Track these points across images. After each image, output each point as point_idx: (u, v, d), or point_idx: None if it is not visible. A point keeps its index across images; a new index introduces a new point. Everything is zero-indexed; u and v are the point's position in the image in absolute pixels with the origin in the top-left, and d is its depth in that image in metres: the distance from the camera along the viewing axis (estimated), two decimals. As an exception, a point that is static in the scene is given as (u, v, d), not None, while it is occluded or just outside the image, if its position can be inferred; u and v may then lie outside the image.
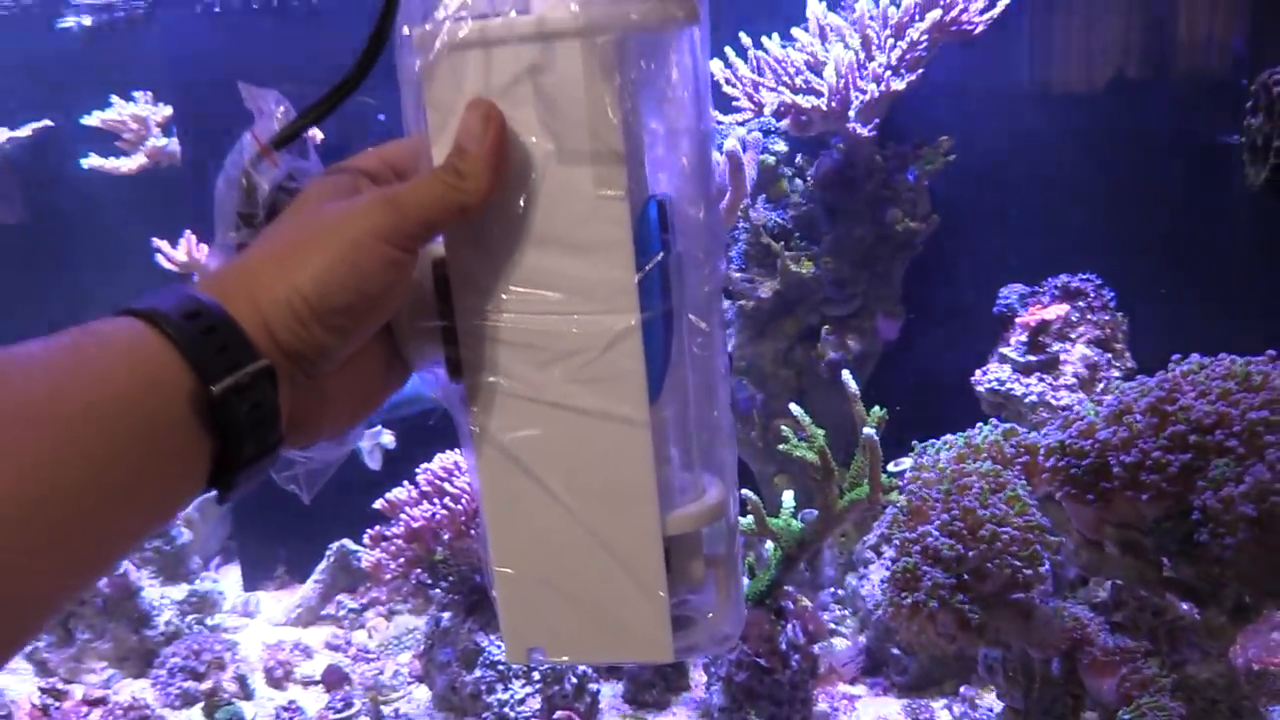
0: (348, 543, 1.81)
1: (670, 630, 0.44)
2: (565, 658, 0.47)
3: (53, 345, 0.35)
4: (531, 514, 0.46)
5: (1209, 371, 1.13)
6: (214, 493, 0.39)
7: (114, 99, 1.78)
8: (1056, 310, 1.50)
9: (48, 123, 1.89)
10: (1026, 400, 1.48)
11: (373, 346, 0.44)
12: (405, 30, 0.43)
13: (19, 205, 1.94)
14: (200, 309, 0.38)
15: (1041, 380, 1.49)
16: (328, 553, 1.83)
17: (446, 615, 1.47)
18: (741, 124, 1.57)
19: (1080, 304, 1.55)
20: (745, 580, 1.43)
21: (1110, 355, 1.53)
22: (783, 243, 1.61)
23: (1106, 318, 1.54)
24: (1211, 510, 1.05)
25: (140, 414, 0.36)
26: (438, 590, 1.49)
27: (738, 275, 1.63)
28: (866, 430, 1.24)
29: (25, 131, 1.87)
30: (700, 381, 0.48)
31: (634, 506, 0.44)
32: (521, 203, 0.43)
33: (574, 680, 1.44)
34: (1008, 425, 1.30)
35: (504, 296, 0.44)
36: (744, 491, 1.33)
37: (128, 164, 1.72)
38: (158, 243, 1.70)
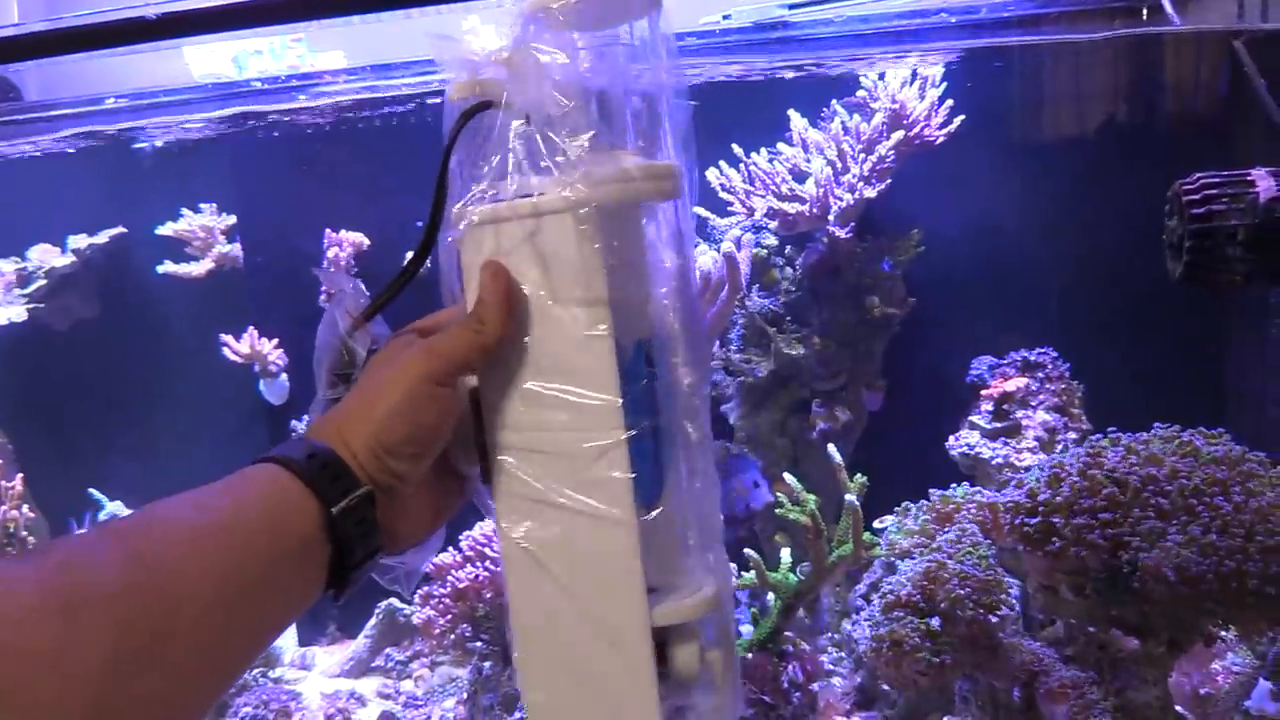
0: (394, 601, 2.01)
1: (659, 715, 0.49)
2: None
3: (220, 488, 0.47)
4: (542, 599, 0.51)
5: (1134, 440, 1.34)
6: (331, 591, 0.50)
7: (184, 211, 2.01)
8: (1017, 382, 1.71)
9: (122, 229, 2.12)
10: (993, 462, 1.68)
11: (439, 467, 0.54)
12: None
13: (96, 302, 2.16)
14: (316, 451, 0.49)
15: (1006, 444, 1.70)
16: (376, 611, 2.03)
17: (488, 664, 1.66)
18: (735, 225, 1.80)
19: (1040, 375, 1.76)
20: (750, 627, 1.63)
21: (1068, 419, 1.73)
22: (775, 327, 1.83)
23: (1063, 386, 1.75)
24: (1141, 564, 1.25)
25: (289, 533, 0.47)
26: (479, 643, 1.69)
27: (737, 356, 1.85)
28: (848, 497, 1.44)
29: (103, 238, 2.09)
30: (693, 483, 0.54)
31: (624, 598, 0.49)
32: (528, 340, 0.50)
33: None
34: (975, 488, 1.50)
35: (518, 417, 0.51)
36: (746, 550, 1.53)
37: (197, 268, 1.95)
38: (224, 337, 1.93)
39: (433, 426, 0.51)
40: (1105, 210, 1.80)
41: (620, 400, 0.49)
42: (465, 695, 1.74)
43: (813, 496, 1.51)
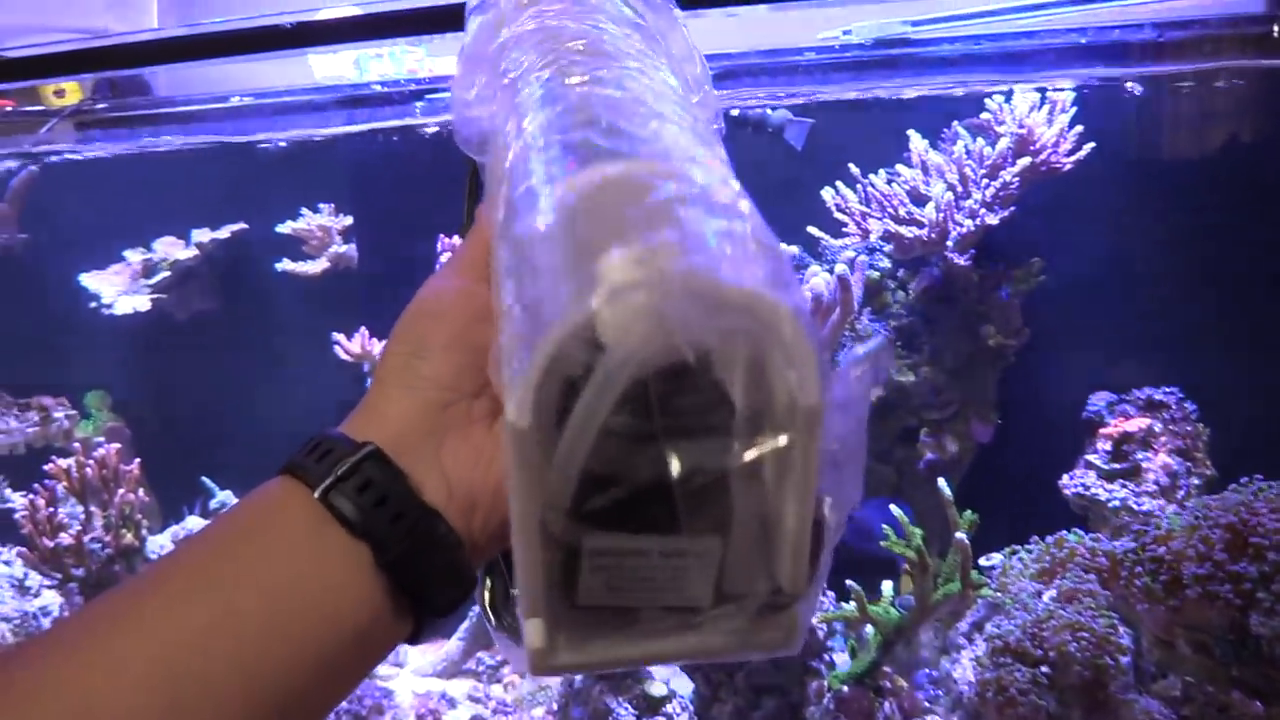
0: (487, 604, 2.03)
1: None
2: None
3: (237, 574, 0.38)
4: None
5: (1276, 492, 1.27)
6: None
7: (303, 210, 2.06)
8: (1139, 422, 1.64)
9: (243, 225, 2.18)
10: (1110, 505, 1.62)
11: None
12: None
13: (215, 294, 2.24)
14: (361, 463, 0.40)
15: (1124, 486, 1.63)
16: (471, 614, 2.05)
17: (579, 678, 1.66)
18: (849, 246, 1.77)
19: (1163, 415, 1.68)
20: (846, 658, 1.60)
21: (1191, 464, 1.65)
22: (886, 352, 1.79)
23: (1188, 428, 1.67)
24: (1270, 625, 1.19)
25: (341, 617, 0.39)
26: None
27: (844, 379, 1.81)
28: (958, 534, 1.40)
29: (224, 233, 2.16)
30: None
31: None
32: None
33: (691, 741, 1.61)
34: (1091, 535, 1.45)
35: None
36: (849, 583, 1.50)
37: (313, 267, 1.99)
38: (336, 336, 1.97)
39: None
40: (1238, 247, 1.72)
41: None
42: (555, 706, 1.74)
43: (919, 531, 1.47)
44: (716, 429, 0.35)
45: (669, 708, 1.61)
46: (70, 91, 1.86)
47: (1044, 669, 1.29)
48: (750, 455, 0.34)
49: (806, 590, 0.37)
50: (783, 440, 0.34)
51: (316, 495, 0.38)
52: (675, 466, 0.34)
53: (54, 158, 2.14)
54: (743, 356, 0.34)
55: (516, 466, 0.34)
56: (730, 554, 0.37)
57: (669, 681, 1.64)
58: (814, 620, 1.57)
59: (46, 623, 1.88)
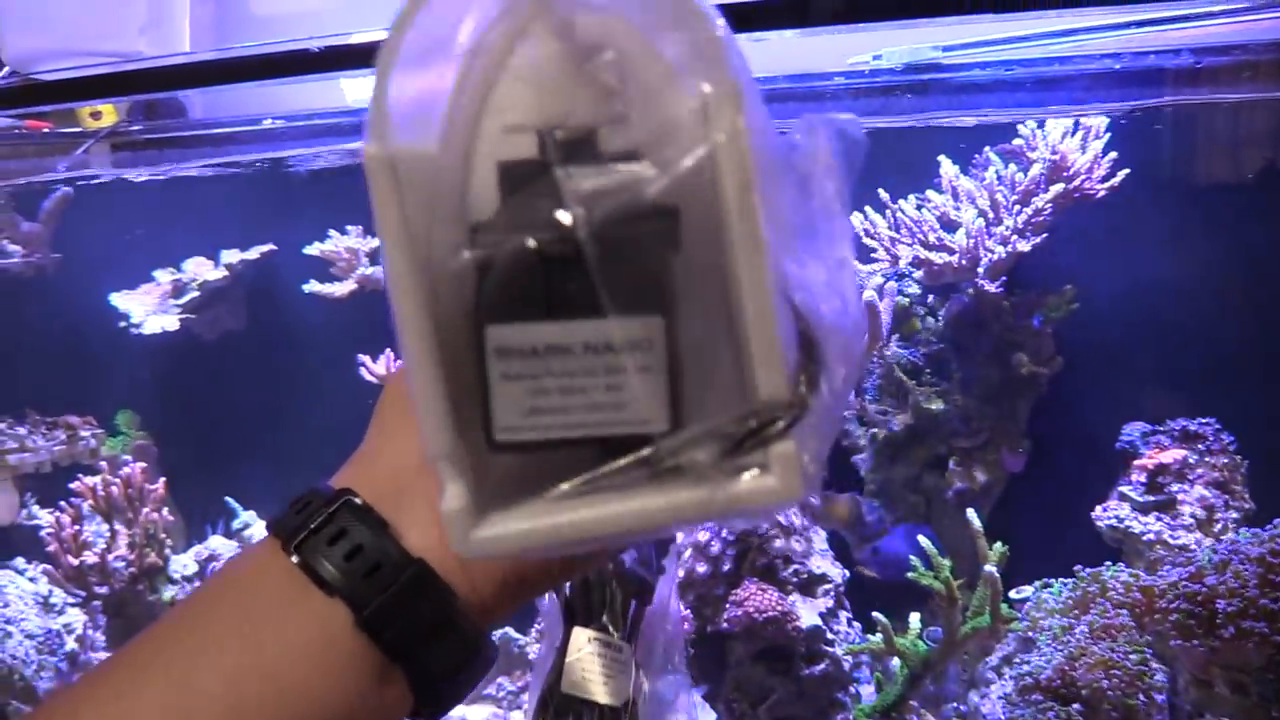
0: (509, 630, 2.01)
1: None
2: None
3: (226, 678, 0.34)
4: None
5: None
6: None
7: (331, 233, 2.07)
8: (1174, 454, 1.61)
9: (272, 246, 2.19)
10: (1145, 538, 1.58)
11: None
12: None
13: (244, 315, 2.24)
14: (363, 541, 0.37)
15: (1159, 519, 1.59)
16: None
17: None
18: (878, 272, 1.74)
19: (1200, 447, 1.64)
20: (874, 692, 1.56)
21: (1228, 497, 1.61)
22: (914, 379, 1.77)
23: (1225, 460, 1.63)
24: (1311, 663, 1.15)
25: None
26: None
27: (872, 407, 1.79)
28: (988, 568, 1.37)
29: (254, 254, 2.17)
30: None
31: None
32: None
33: (713, 774, 1.58)
34: (1128, 570, 1.41)
35: None
36: (875, 614, 1.47)
37: (340, 289, 1.99)
38: (362, 358, 1.97)
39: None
40: (1276, 275, 1.68)
41: None
42: (575, 734, 1.71)
43: (947, 562, 1.44)
44: (617, 156, 0.29)
45: (691, 739, 1.58)
46: (107, 114, 1.88)
47: (1076, 706, 1.26)
48: (663, 179, 0.29)
49: (792, 399, 0.29)
50: (700, 149, 0.28)
51: (291, 551, 0.35)
52: (576, 211, 0.28)
53: (87, 179, 2.16)
54: (636, 41, 0.29)
55: (381, 205, 0.29)
56: (682, 354, 0.29)
57: (692, 711, 1.62)
58: (839, 651, 1.55)
59: (70, 640, 1.89)
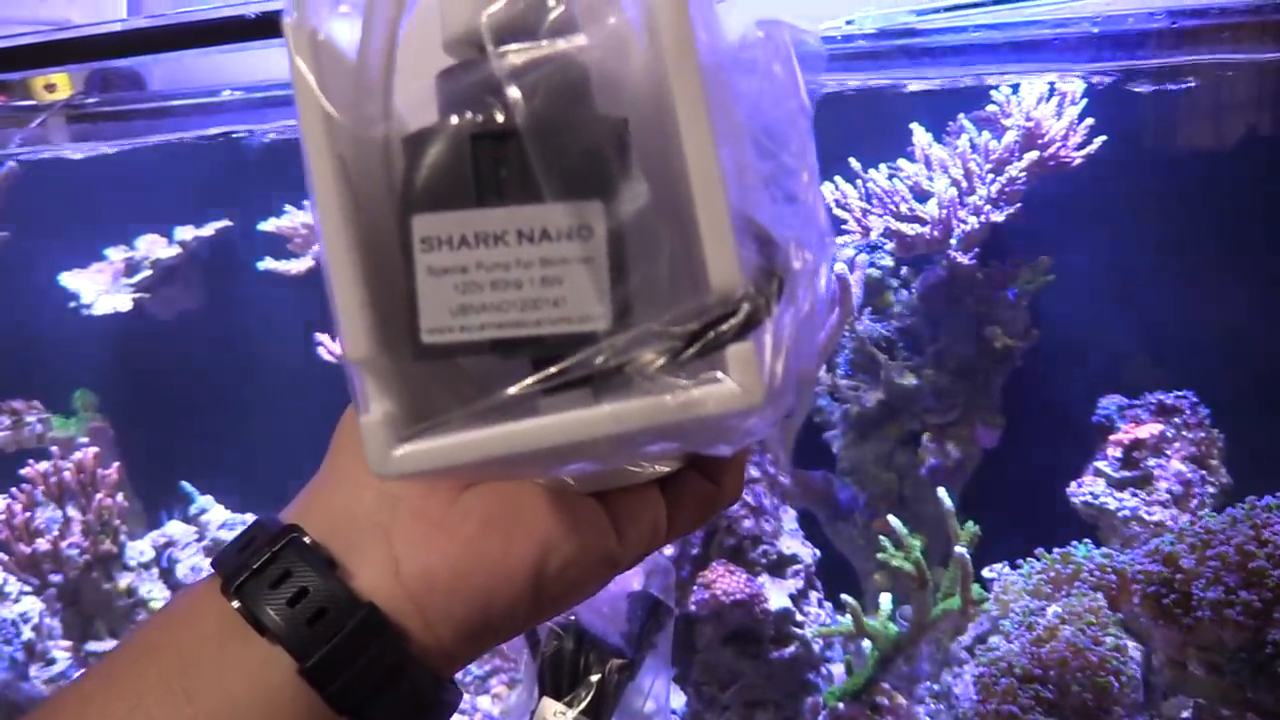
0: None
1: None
2: None
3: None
4: None
5: (1291, 509, 1.20)
6: None
7: (288, 207, 2.00)
8: (1150, 428, 1.57)
9: (227, 222, 2.13)
10: (1120, 514, 1.55)
11: None
12: None
13: (198, 293, 2.18)
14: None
15: (1135, 495, 1.56)
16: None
17: (567, 691, 1.60)
18: (849, 244, 1.70)
19: (1176, 420, 1.61)
20: (842, 670, 1.53)
21: (1205, 472, 1.58)
22: (886, 354, 1.72)
23: (1202, 435, 1.60)
24: (1285, 646, 1.12)
25: None
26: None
27: (844, 382, 1.75)
28: (958, 549, 1.34)
29: (208, 230, 2.10)
30: None
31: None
32: None
33: (681, 759, 1.55)
34: (1101, 550, 1.38)
35: None
36: (844, 596, 1.44)
37: (297, 266, 1.93)
38: (320, 336, 1.91)
39: None
40: (1255, 245, 1.64)
41: None
42: None
43: (918, 541, 1.41)
44: (553, 30, 0.27)
45: (658, 725, 1.55)
46: (61, 86, 1.81)
47: (1046, 688, 1.23)
48: (596, 48, 0.27)
49: (747, 295, 0.26)
50: (631, 6, 0.27)
51: (232, 594, 0.32)
52: (508, 88, 0.26)
53: (34, 153, 2.09)
54: None
55: (298, 77, 0.27)
56: (630, 249, 0.27)
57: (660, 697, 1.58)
58: (809, 634, 1.51)
59: (27, 630, 1.84)
